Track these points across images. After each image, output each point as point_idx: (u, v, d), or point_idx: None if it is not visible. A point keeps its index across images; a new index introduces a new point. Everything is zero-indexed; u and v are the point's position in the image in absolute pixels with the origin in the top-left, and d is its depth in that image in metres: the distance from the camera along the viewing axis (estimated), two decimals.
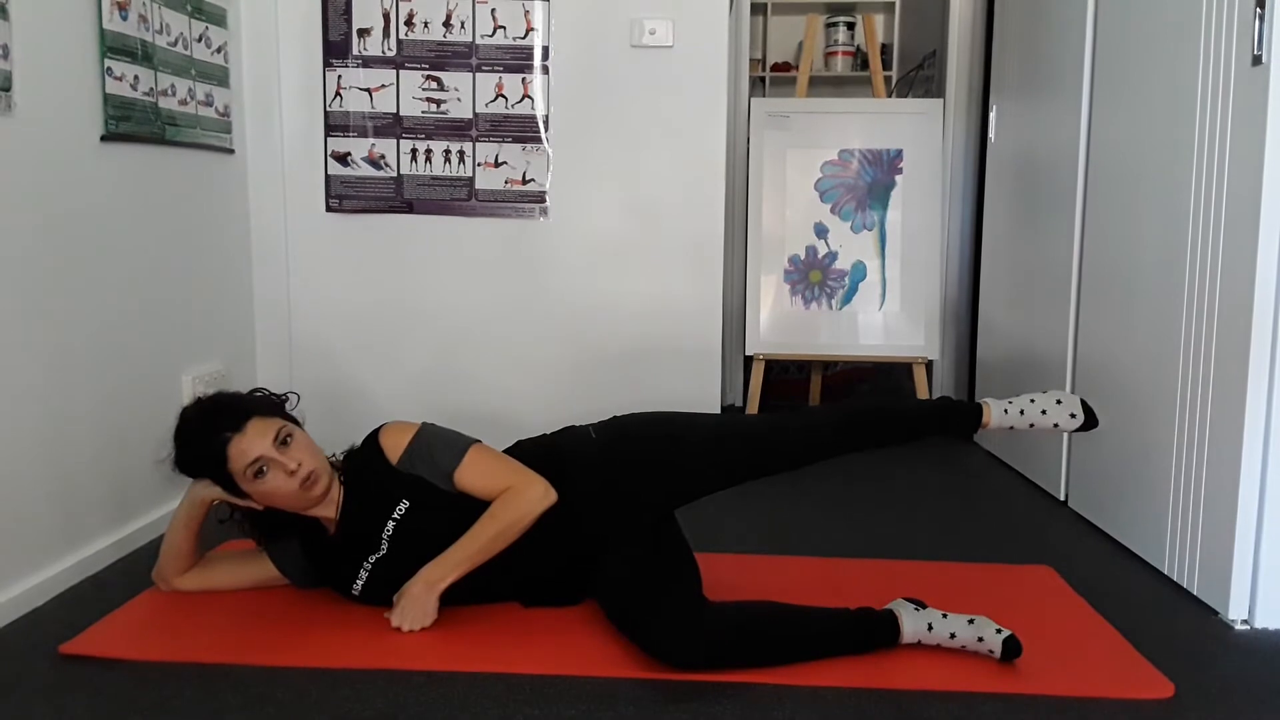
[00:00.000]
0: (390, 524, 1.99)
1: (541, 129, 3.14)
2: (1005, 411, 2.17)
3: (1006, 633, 1.81)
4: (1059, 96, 2.99)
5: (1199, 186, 2.17)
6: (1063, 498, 2.95)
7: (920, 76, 4.91)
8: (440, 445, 2.03)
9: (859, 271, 3.94)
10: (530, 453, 2.09)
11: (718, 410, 3.32)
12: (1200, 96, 2.17)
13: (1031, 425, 2.17)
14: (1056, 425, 2.17)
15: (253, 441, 1.92)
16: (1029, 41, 3.29)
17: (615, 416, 2.16)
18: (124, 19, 2.38)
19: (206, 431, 1.94)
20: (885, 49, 5.93)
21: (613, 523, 2.00)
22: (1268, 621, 2.03)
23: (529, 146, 3.14)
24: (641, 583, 1.89)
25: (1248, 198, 1.98)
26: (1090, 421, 2.18)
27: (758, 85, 6.28)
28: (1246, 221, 1.99)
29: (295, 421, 2.04)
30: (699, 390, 3.26)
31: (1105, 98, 2.69)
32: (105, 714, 1.63)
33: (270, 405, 2.02)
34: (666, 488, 2.05)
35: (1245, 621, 2.04)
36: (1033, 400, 2.19)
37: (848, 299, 3.94)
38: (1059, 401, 2.18)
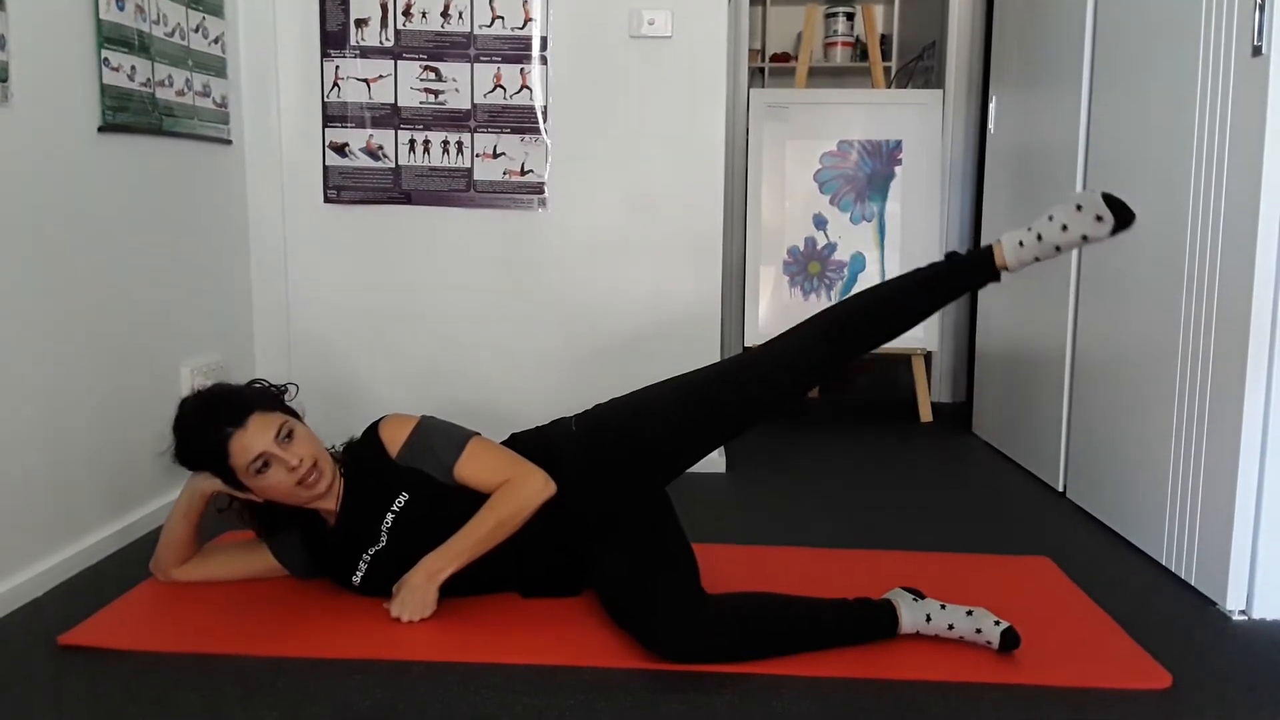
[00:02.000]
0: (389, 516, 1.99)
1: (540, 120, 3.13)
2: (1021, 244, 1.88)
3: (1005, 624, 1.81)
4: (1059, 87, 2.98)
5: (1199, 178, 2.17)
6: (1061, 488, 2.95)
7: (920, 67, 4.90)
8: (440, 438, 2.03)
9: (858, 263, 3.94)
10: (524, 444, 2.09)
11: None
12: (1200, 87, 2.17)
13: (1058, 248, 1.87)
14: (1086, 237, 1.85)
15: (255, 437, 1.91)
16: (1029, 32, 3.28)
17: (595, 406, 2.15)
18: (121, 9, 2.38)
19: (208, 426, 1.94)
20: (885, 40, 5.92)
21: (604, 511, 2.00)
22: (1265, 612, 2.03)
23: (527, 137, 3.13)
24: (639, 575, 1.89)
25: (1247, 189, 1.98)
26: (1123, 217, 1.82)
27: (757, 76, 6.26)
28: (1246, 213, 1.99)
29: (296, 415, 2.04)
30: None
31: (1105, 88, 2.69)
32: (104, 705, 1.63)
33: (271, 399, 2.02)
34: (648, 466, 2.03)
35: (1243, 612, 2.05)
36: (1050, 217, 1.87)
37: (846, 290, 3.94)
38: (1079, 207, 1.85)
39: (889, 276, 3.91)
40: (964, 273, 1.94)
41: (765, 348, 2.06)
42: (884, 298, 2.03)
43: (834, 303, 2.02)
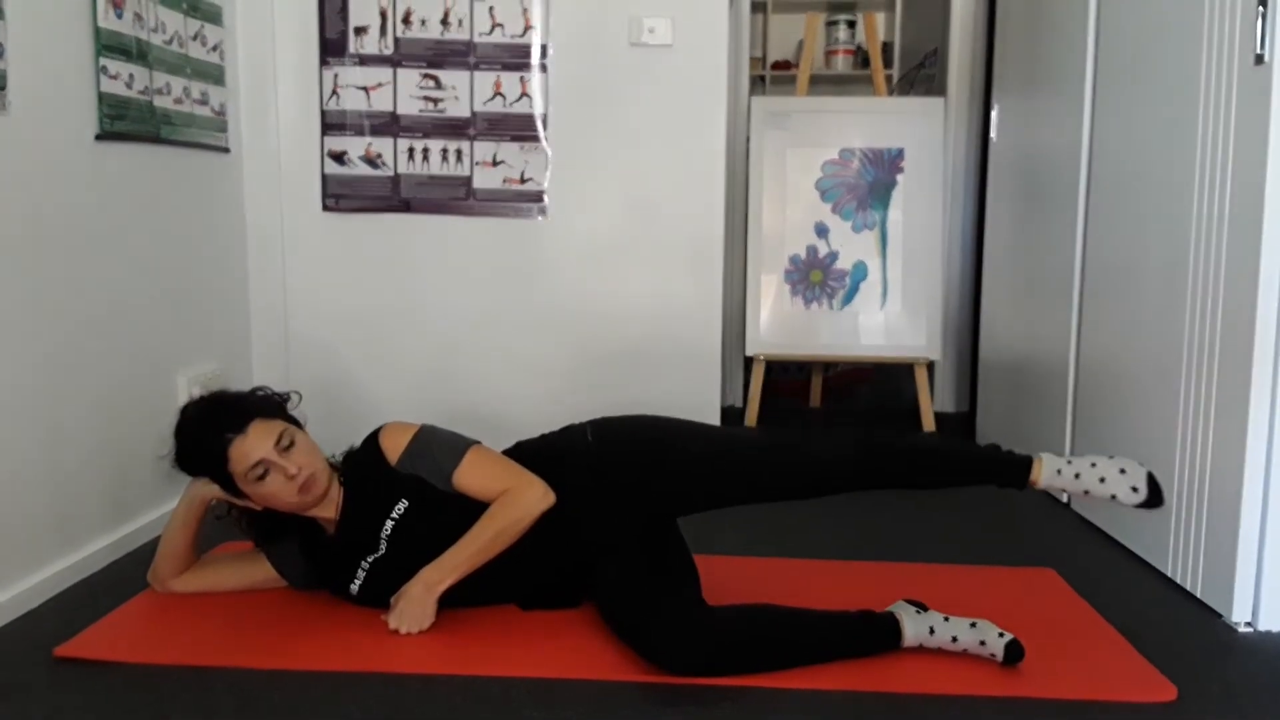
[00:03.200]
0: (389, 524, 1.98)
1: (540, 128, 3.12)
2: (1059, 472, 1.95)
3: (1009, 636, 1.80)
4: (1061, 95, 2.97)
5: (1202, 185, 2.16)
6: (1065, 499, 2.94)
7: (921, 75, 4.89)
8: (439, 446, 2.02)
9: (860, 271, 3.93)
10: (530, 454, 2.08)
11: (717, 413, 3.30)
12: (1203, 95, 2.16)
13: (1086, 492, 1.93)
14: (1114, 498, 1.92)
15: (254, 444, 1.91)
16: (1031, 40, 3.28)
17: (610, 418, 2.13)
18: (119, 17, 2.37)
19: (208, 431, 1.93)
20: (886, 47, 5.91)
21: (607, 527, 1.98)
22: (1271, 624, 2.01)
23: (527, 145, 3.13)
24: (639, 588, 1.88)
25: (1251, 196, 1.97)
26: (1154, 499, 1.91)
27: (758, 84, 6.26)
28: (1249, 220, 1.97)
29: (297, 423, 2.03)
30: (699, 390, 3.25)
31: (1107, 96, 2.68)
32: (100, 717, 1.62)
33: (273, 406, 2.01)
34: (653, 505, 2.01)
35: (1249, 624, 2.03)
36: (1094, 464, 1.94)
37: (848, 299, 3.93)
38: (1123, 471, 1.93)
39: (891, 285, 3.90)
40: (1000, 469, 1.99)
41: (805, 445, 2.04)
42: (929, 453, 2.08)
43: (882, 435, 2.13)
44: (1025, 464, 1.96)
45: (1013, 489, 1.97)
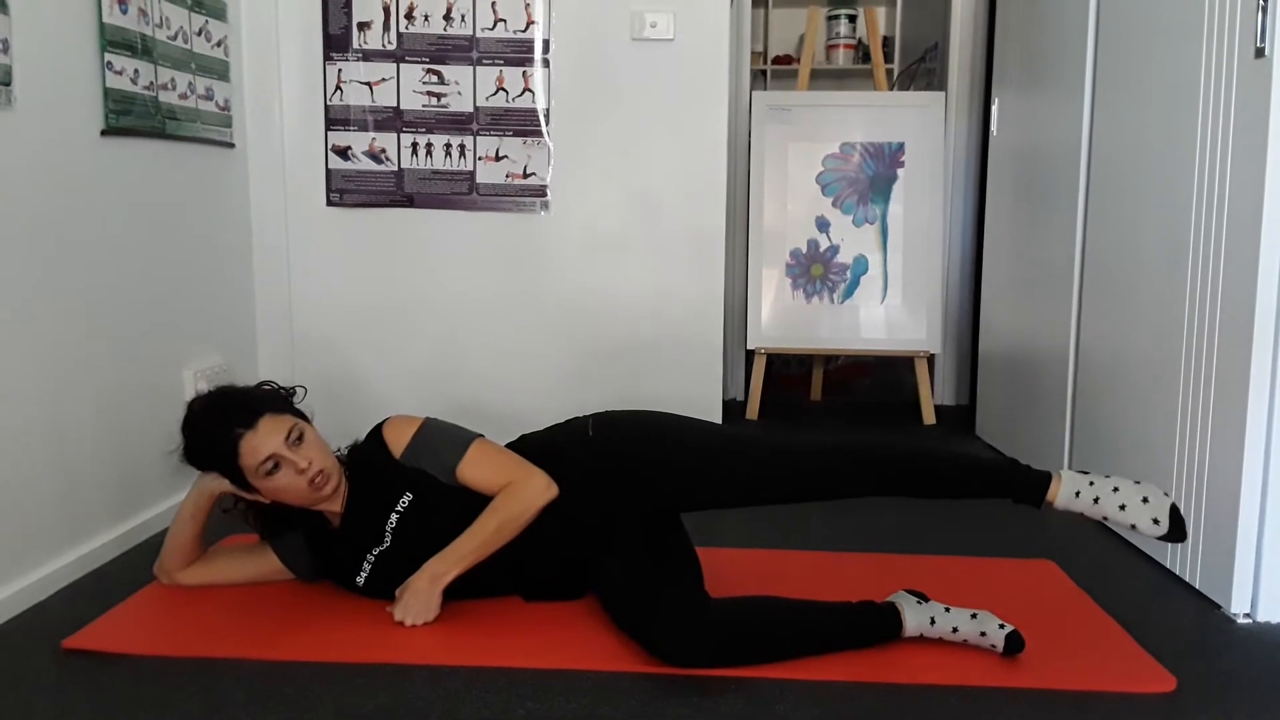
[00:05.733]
0: (393, 516, 1.99)
1: (542, 122, 3.13)
2: (1078, 494, 1.88)
3: (1009, 627, 1.81)
4: (1061, 90, 2.98)
5: (1201, 180, 2.17)
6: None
7: (922, 69, 4.90)
8: (443, 439, 2.04)
9: (860, 265, 3.94)
10: (532, 447, 2.09)
11: (719, 406, 3.30)
12: (1203, 90, 2.17)
13: (1105, 518, 1.87)
14: (1134, 527, 1.85)
15: (265, 439, 1.92)
16: (1031, 34, 3.28)
17: (612, 412, 2.14)
18: (124, 13, 2.38)
19: (218, 426, 1.94)
20: (887, 42, 5.92)
21: (608, 519, 1.99)
22: (1270, 615, 2.02)
23: (530, 140, 3.13)
24: (642, 580, 1.89)
25: (1250, 191, 1.98)
26: (1176, 533, 1.84)
27: (759, 78, 6.26)
28: (1249, 215, 1.98)
29: (305, 417, 2.04)
30: (700, 384, 3.26)
31: (1107, 91, 2.69)
32: (108, 709, 1.63)
33: (281, 401, 2.02)
34: (651, 502, 2.01)
35: (1247, 615, 2.04)
36: (1116, 489, 1.87)
37: (849, 293, 3.93)
38: (1145, 500, 1.85)
39: (891, 279, 3.91)
40: (1017, 487, 1.93)
41: (811, 448, 2.01)
42: (942, 463, 2.02)
43: (889, 440, 2.06)
44: (1043, 481, 1.91)
45: (1028, 506, 1.92)
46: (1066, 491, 1.89)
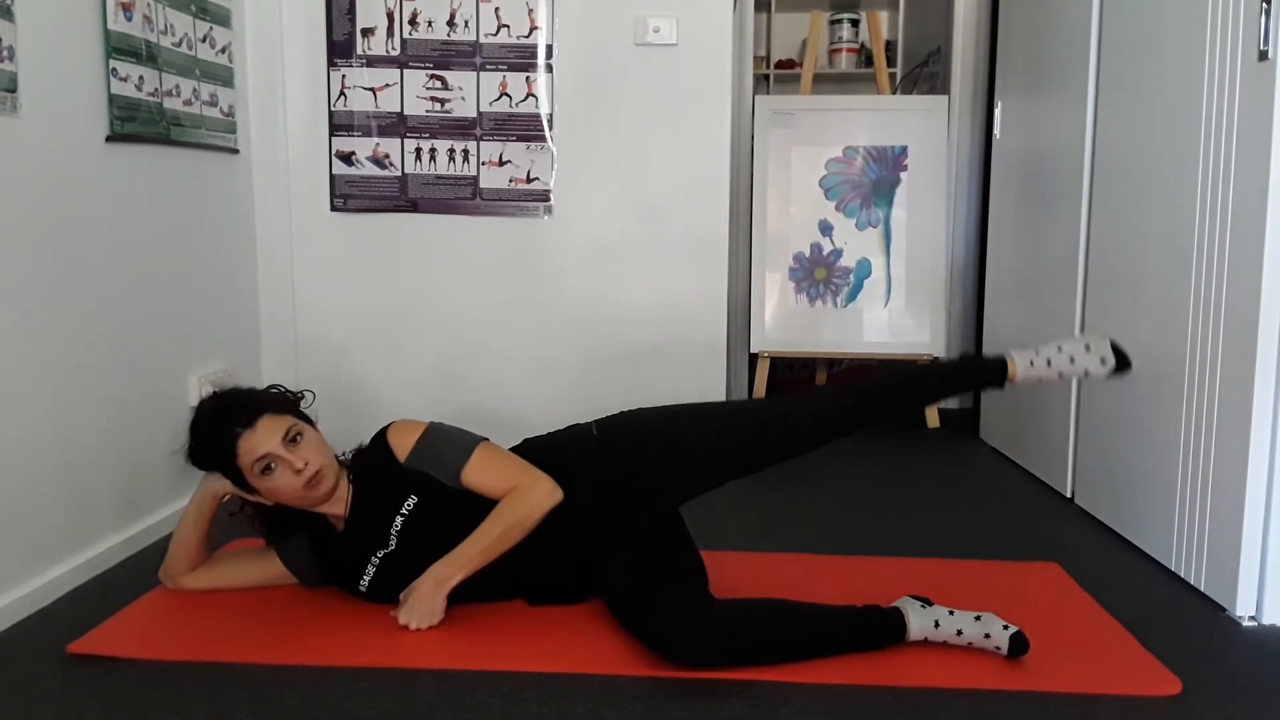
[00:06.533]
0: (398, 520, 1.99)
1: (545, 127, 3.14)
2: (1031, 364, 2.12)
3: (1013, 629, 1.81)
4: (1064, 93, 2.98)
5: (1205, 183, 2.17)
6: (1069, 494, 2.94)
7: (925, 73, 4.90)
8: (448, 443, 2.04)
9: (864, 269, 3.94)
10: (536, 451, 2.09)
11: (725, 400, 3.30)
12: (1206, 92, 2.17)
13: (1060, 375, 2.12)
14: (1087, 372, 2.12)
15: (262, 438, 1.92)
16: (1034, 37, 3.28)
17: (617, 413, 2.15)
18: (128, 19, 2.39)
19: (218, 426, 1.95)
20: (890, 46, 5.92)
21: (613, 522, 2.00)
22: (1275, 618, 2.02)
23: (533, 145, 3.14)
24: (646, 582, 1.89)
25: (1254, 193, 1.98)
26: (1122, 365, 2.12)
27: (762, 83, 6.26)
28: (1253, 217, 1.98)
29: (308, 420, 2.04)
30: (704, 388, 3.26)
31: (1111, 94, 2.69)
32: (112, 714, 1.63)
33: (283, 403, 2.03)
34: (663, 489, 2.04)
35: (1253, 618, 2.04)
36: (1059, 348, 2.13)
37: (852, 296, 3.93)
38: (1088, 347, 2.13)
39: (895, 282, 3.91)
40: (978, 375, 2.22)
41: (794, 406, 2.18)
42: (906, 382, 2.21)
43: (860, 379, 2.32)
44: (1000, 364, 2.12)
45: (994, 389, 2.16)
46: (1022, 366, 2.12)
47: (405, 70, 3.11)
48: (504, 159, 3.14)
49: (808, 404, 2.18)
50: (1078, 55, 2.87)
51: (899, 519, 2.75)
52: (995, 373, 2.13)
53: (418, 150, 3.14)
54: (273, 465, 1.93)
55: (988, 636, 1.82)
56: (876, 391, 2.19)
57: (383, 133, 3.14)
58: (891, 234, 3.93)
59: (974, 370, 2.19)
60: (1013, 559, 2.42)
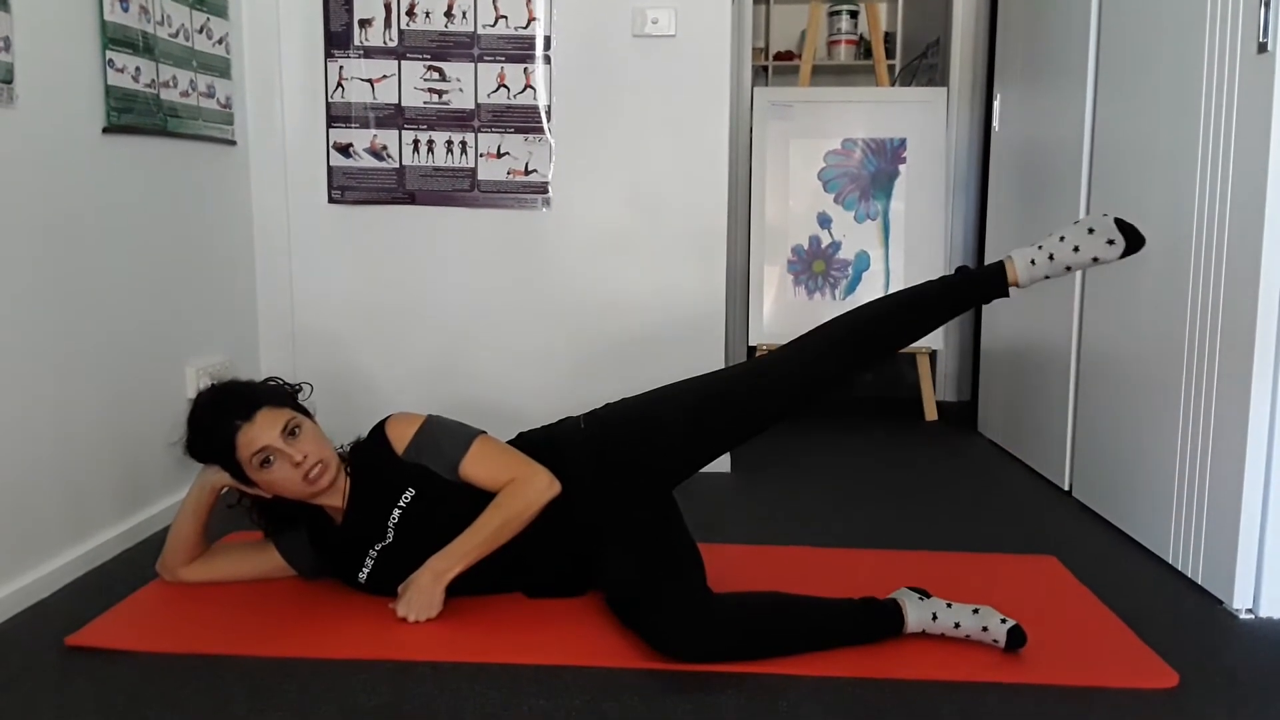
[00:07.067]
0: (396, 512, 1.99)
1: (544, 119, 3.13)
2: (1033, 262, 1.93)
3: (1011, 622, 1.81)
4: (1063, 85, 2.98)
5: (1204, 175, 2.17)
6: (1066, 487, 2.95)
7: (924, 65, 4.89)
8: (446, 436, 2.04)
9: (862, 261, 3.93)
10: (531, 444, 2.09)
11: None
12: (1205, 84, 2.16)
13: (1068, 268, 1.92)
14: (1096, 259, 1.90)
15: (260, 431, 1.92)
16: (1033, 29, 3.28)
17: (604, 405, 2.15)
18: (125, 10, 2.38)
19: (217, 418, 1.96)
20: (888, 37, 5.91)
21: (608, 513, 2.00)
22: (1272, 611, 2.03)
23: (531, 137, 3.13)
24: (644, 575, 1.89)
25: (1253, 186, 1.98)
26: (1134, 242, 1.90)
27: (760, 74, 6.26)
28: (1252, 210, 1.98)
29: (306, 412, 2.04)
30: None
31: (1110, 86, 2.68)
32: (111, 706, 1.63)
33: (282, 395, 2.03)
34: (656, 470, 2.04)
35: (1249, 610, 2.04)
36: (1061, 238, 1.92)
37: (851, 289, 3.93)
38: (1091, 230, 1.91)
39: (894, 275, 3.91)
40: (976, 285, 1.99)
41: (776, 355, 2.07)
42: (896, 306, 2.05)
43: (845, 311, 2.06)
44: (999, 271, 1.96)
45: (999, 298, 1.97)
46: (1023, 266, 1.94)
47: (403, 61, 3.10)
48: (502, 151, 3.14)
49: (794, 353, 2.05)
50: (1077, 47, 2.86)
51: (896, 511, 2.76)
52: (995, 280, 1.95)
53: (415, 142, 3.13)
54: (272, 458, 1.93)
55: (985, 630, 1.82)
56: (867, 322, 2.01)
57: (380, 124, 3.13)
58: (890, 226, 3.93)
59: (971, 281, 1.97)
60: (1010, 552, 2.42)
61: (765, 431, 2.09)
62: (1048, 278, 1.95)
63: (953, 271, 2.05)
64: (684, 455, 2.07)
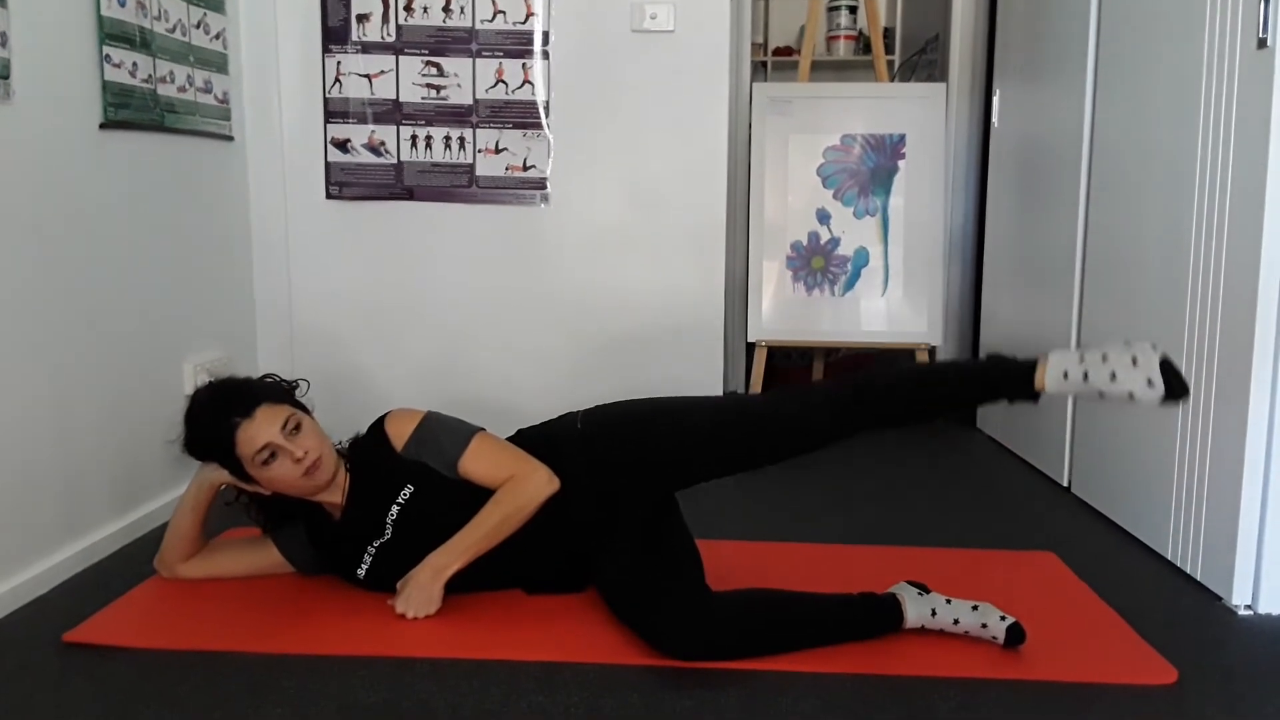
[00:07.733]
0: (394, 508, 1.99)
1: (542, 115, 3.12)
2: (1066, 376, 1.79)
3: (1010, 619, 1.81)
4: (1063, 81, 2.97)
5: (1203, 171, 2.16)
6: (1066, 484, 2.95)
7: (923, 61, 4.89)
8: (445, 433, 2.04)
9: (861, 257, 3.93)
10: (529, 441, 2.09)
11: (719, 394, 3.30)
12: (1205, 80, 2.16)
13: (1101, 394, 1.77)
14: (1132, 396, 1.74)
15: (261, 428, 1.92)
16: (1032, 25, 3.27)
17: (601, 405, 2.12)
18: (122, 5, 2.37)
19: (216, 416, 1.95)
20: (888, 33, 5.90)
21: (605, 513, 1.99)
22: (1271, 607, 2.02)
23: (529, 133, 3.13)
24: (642, 573, 1.89)
25: (1252, 182, 1.97)
26: (1175, 391, 1.74)
27: (759, 70, 6.25)
28: (1251, 206, 1.98)
29: (304, 409, 2.04)
30: (701, 376, 3.26)
31: (1109, 82, 2.68)
32: (108, 703, 1.63)
33: (280, 392, 2.03)
34: (650, 483, 2.02)
35: (1249, 607, 2.04)
36: (1104, 358, 1.77)
37: (850, 285, 3.93)
38: (1134, 361, 1.76)
39: (892, 271, 3.90)
40: (1003, 384, 1.88)
41: (794, 399, 1.99)
42: (924, 382, 2.00)
43: (870, 372, 1.98)
44: (1030, 372, 1.82)
45: (1022, 401, 1.82)
46: (1054, 378, 1.81)
47: (401, 57, 3.09)
48: (500, 146, 3.13)
49: (804, 407, 1.97)
50: (1076, 42, 2.86)
51: (895, 507, 2.76)
52: (1023, 382, 1.82)
53: (413, 138, 3.13)
54: (273, 455, 1.92)
55: (984, 626, 1.82)
56: (883, 392, 1.94)
57: (378, 120, 3.12)
58: (889, 222, 3.92)
59: (1000, 375, 1.85)
60: (1009, 548, 2.42)
61: (764, 467, 2.03)
62: (1078, 395, 1.83)
63: (986, 355, 1.94)
64: (680, 470, 2.03)
